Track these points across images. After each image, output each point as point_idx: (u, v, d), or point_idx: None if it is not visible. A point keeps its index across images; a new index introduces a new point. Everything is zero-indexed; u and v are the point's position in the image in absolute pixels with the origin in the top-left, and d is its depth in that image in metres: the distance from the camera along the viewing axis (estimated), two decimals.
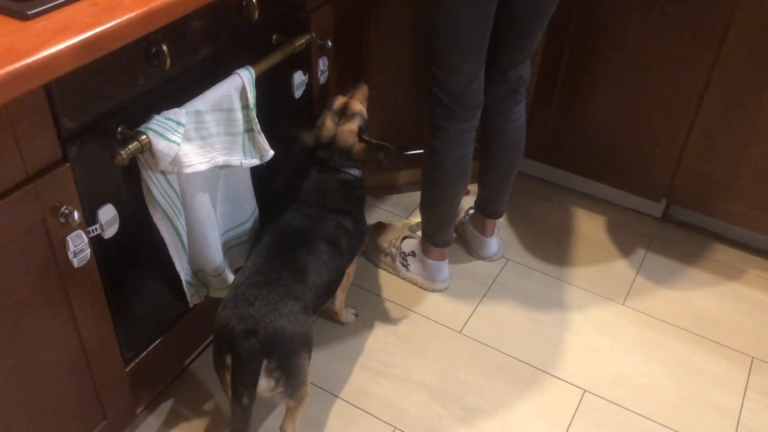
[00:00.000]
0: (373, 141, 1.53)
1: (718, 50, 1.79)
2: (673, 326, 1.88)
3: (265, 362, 1.26)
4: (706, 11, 1.76)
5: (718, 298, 1.96)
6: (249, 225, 1.55)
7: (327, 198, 1.51)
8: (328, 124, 1.54)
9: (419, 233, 1.98)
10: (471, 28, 1.51)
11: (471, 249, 2.06)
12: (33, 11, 1.02)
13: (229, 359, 1.26)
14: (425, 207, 1.85)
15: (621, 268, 2.05)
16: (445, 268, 1.94)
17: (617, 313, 1.91)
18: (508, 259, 2.06)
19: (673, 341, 1.84)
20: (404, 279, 1.98)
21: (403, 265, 1.98)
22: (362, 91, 1.62)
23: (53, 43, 0.96)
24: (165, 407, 1.62)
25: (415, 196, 2.22)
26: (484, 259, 2.05)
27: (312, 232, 1.45)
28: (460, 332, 1.84)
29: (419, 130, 1.79)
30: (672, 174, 2.03)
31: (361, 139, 1.53)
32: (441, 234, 1.87)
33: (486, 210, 1.97)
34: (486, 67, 1.64)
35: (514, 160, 1.86)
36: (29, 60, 0.93)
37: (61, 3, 1.05)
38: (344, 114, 1.55)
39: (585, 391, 1.71)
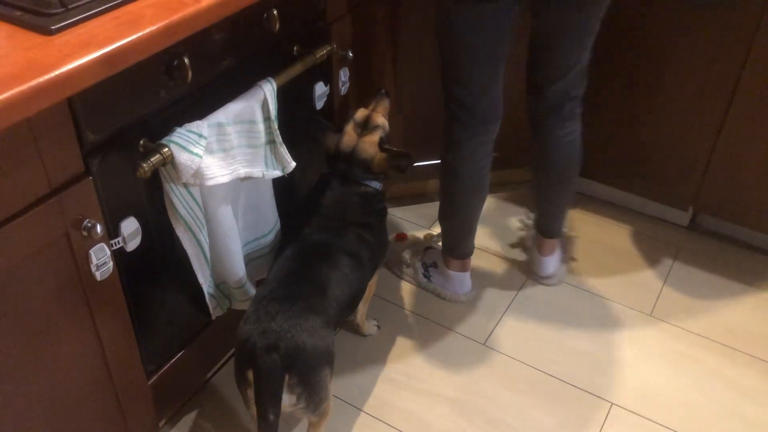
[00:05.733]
0: (394, 149, 1.53)
1: (746, 56, 1.76)
2: (703, 338, 1.84)
3: (286, 377, 1.25)
4: (732, 20, 1.73)
5: (749, 308, 1.92)
6: (271, 237, 1.54)
7: (348, 211, 1.51)
8: (350, 134, 1.54)
9: (440, 244, 1.97)
10: (480, 38, 1.50)
11: (531, 265, 2.00)
12: (56, 26, 1.03)
13: (250, 375, 1.25)
14: (443, 219, 1.84)
15: (648, 278, 2.01)
16: (467, 279, 1.92)
17: (644, 325, 1.87)
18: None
19: (702, 353, 1.80)
20: (426, 290, 1.96)
21: (425, 276, 1.96)
22: (384, 104, 1.62)
23: (76, 57, 0.97)
24: (187, 420, 1.62)
25: (438, 207, 2.21)
26: (538, 278, 1.97)
27: (333, 246, 1.44)
28: (483, 344, 1.81)
29: None
30: (699, 182, 1.99)
31: (381, 149, 1.53)
32: (460, 246, 1.85)
33: (539, 227, 1.92)
34: (526, 83, 1.64)
35: (562, 179, 1.78)
36: (53, 74, 0.93)
37: (84, 17, 1.06)
38: (366, 126, 1.55)
39: (612, 404, 1.67)
